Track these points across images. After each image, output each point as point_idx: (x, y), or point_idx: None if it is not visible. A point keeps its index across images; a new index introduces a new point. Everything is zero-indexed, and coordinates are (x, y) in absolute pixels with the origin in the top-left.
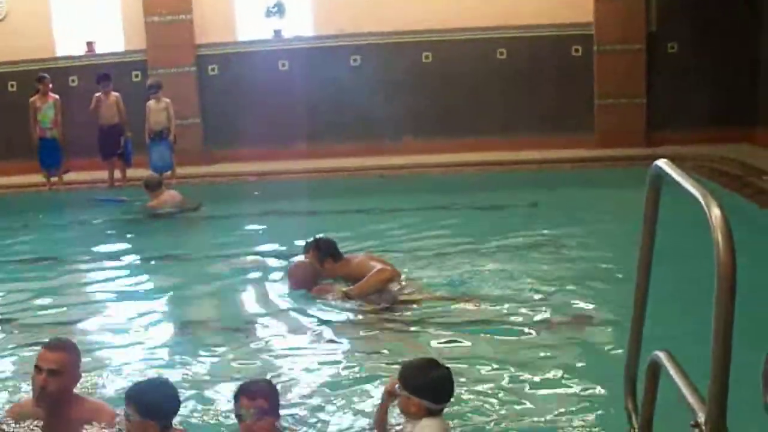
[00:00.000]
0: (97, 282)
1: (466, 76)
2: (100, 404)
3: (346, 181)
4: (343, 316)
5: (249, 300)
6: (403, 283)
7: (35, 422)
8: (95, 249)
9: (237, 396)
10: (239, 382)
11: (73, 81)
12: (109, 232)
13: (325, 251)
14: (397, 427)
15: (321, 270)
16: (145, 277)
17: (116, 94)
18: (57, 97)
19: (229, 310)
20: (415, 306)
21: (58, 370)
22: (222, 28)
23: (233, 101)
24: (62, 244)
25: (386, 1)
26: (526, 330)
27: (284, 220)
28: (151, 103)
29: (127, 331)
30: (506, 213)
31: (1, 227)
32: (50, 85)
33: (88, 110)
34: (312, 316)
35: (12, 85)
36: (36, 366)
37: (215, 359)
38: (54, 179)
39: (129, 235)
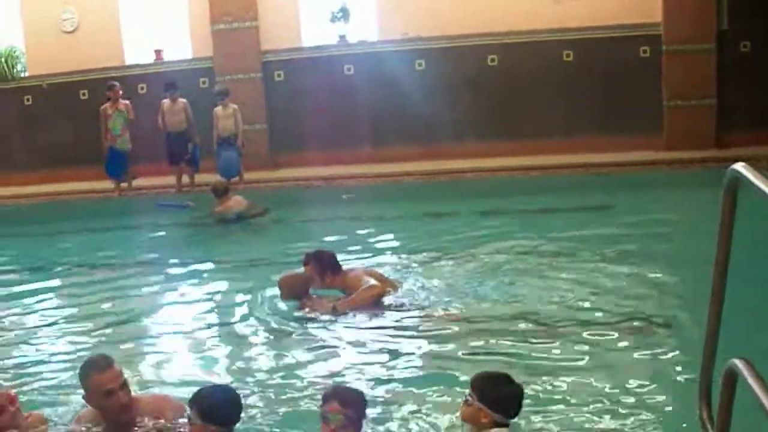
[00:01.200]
0: (160, 285)
1: (532, 79)
2: (158, 397)
3: (410, 185)
4: (329, 328)
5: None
6: (399, 295)
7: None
8: (160, 254)
9: (328, 398)
10: (331, 383)
11: (142, 88)
12: (174, 237)
13: (324, 264)
14: None
15: (319, 281)
16: (207, 281)
17: (183, 100)
18: (127, 102)
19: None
20: (407, 321)
21: (124, 381)
22: (287, 34)
23: (299, 106)
24: (129, 249)
25: (451, 4)
26: (592, 337)
27: (348, 224)
28: (219, 109)
29: (185, 335)
30: (573, 217)
31: (70, 232)
32: (120, 93)
33: (156, 121)
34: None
35: (83, 94)
36: (107, 391)
37: (278, 362)
38: (123, 185)
39: (194, 240)
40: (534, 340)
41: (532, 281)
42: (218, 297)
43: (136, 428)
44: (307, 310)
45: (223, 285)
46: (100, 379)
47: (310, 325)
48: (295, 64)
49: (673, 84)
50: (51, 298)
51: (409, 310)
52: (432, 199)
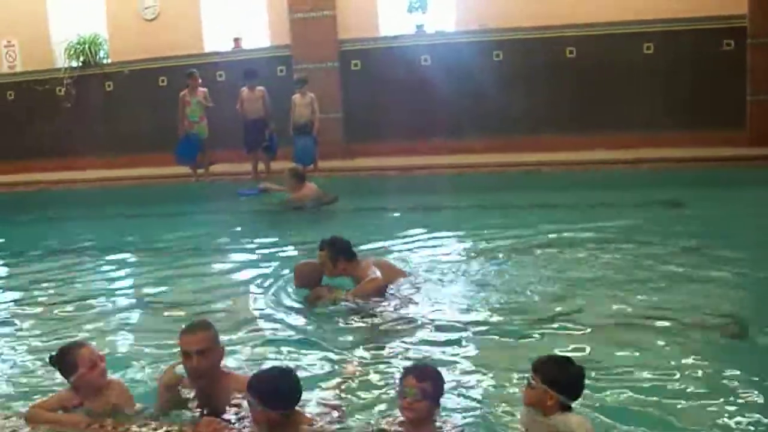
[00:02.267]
0: (231, 270)
1: (611, 72)
2: (244, 377)
3: (485, 177)
4: (334, 317)
5: None
6: (407, 286)
7: (189, 395)
8: (228, 238)
9: (406, 374)
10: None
11: (220, 76)
12: (244, 222)
13: (338, 250)
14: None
15: (332, 267)
16: (273, 266)
17: (261, 88)
18: (205, 90)
19: None
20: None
21: (204, 349)
22: (365, 23)
23: (375, 96)
24: (203, 234)
25: None
26: (668, 336)
27: (420, 215)
28: (296, 97)
29: (251, 320)
30: (648, 212)
31: (147, 215)
32: (199, 80)
33: (234, 108)
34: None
35: (163, 80)
36: (184, 352)
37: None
38: (200, 171)
39: (263, 227)
40: (596, 337)
41: (594, 276)
42: (267, 282)
43: (224, 397)
44: (314, 298)
45: (272, 270)
46: (182, 340)
47: (316, 313)
48: (372, 53)
49: (758, 78)
50: (123, 278)
51: (411, 302)
52: (504, 192)
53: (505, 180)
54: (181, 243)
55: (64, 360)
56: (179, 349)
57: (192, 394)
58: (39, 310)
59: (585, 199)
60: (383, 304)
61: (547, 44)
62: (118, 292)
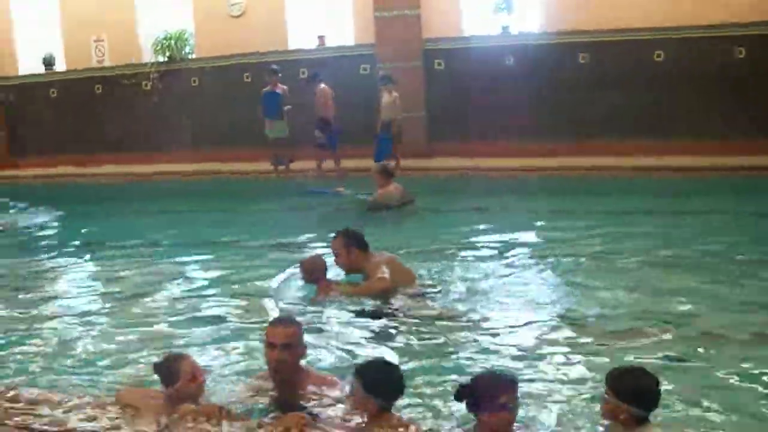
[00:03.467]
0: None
1: (700, 77)
2: (325, 375)
3: (567, 180)
4: (332, 313)
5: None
6: (415, 290)
7: (269, 393)
8: (299, 235)
9: (505, 387)
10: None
11: (303, 73)
12: (318, 219)
13: (352, 239)
14: None
15: (345, 256)
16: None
17: (322, 86)
18: (285, 88)
19: None
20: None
21: (290, 344)
22: (449, 23)
23: (458, 96)
24: (272, 229)
25: None
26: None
27: (497, 217)
28: (384, 95)
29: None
30: (718, 220)
31: (230, 210)
32: (279, 75)
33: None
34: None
35: (247, 77)
36: (269, 343)
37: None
38: (281, 167)
39: (338, 224)
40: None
41: (656, 285)
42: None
43: (302, 395)
44: (321, 296)
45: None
46: (269, 332)
47: (318, 310)
48: (456, 53)
49: None
50: (190, 271)
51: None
52: (586, 196)
53: (586, 184)
54: (259, 239)
55: (165, 368)
56: (264, 339)
57: (271, 390)
58: (124, 302)
59: (652, 205)
60: (387, 304)
61: (635, 47)
62: (193, 286)
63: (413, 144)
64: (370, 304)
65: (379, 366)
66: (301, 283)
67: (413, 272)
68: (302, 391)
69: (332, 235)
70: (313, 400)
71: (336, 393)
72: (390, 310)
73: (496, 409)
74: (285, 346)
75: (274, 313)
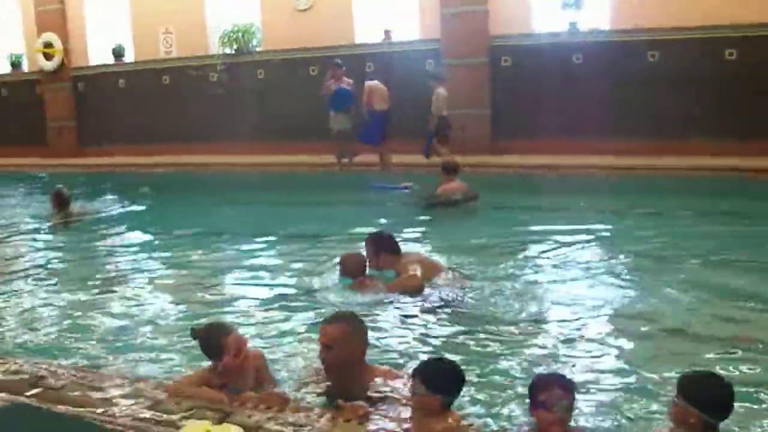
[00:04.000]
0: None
1: None
2: (388, 370)
3: (634, 180)
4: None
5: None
6: (446, 287)
7: (325, 385)
8: (370, 229)
9: (547, 385)
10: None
11: (369, 67)
12: (380, 214)
13: (379, 245)
14: None
15: (375, 260)
16: None
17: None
18: (351, 81)
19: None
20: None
21: (332, 345)
22: (517, 19)
23: (524, 93)
24: (337, 222)
25: None
26: None
27: (561, 215)
28: (441, 90)
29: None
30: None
31: (290, 202)
32: (343, 70)
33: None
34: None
35: (313, 70)
36: (318, 340)
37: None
38: (344, 161)
39: (399, 220)
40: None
41: (729, 289)
42: None
43: (360, 388)
44: (358, 288)
45: None
46: (320, 329)
47: (356, 302)
48: (523, 50)
49: None
50: (252, 260)
51: (448, 304)
52: (652, 196)
53: (652, 184)
54: (322, 231)
55: (210, 342)
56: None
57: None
58: (189, 289)
59: (714, 207)
60: (419, 299)
61: (706, 45)
62: (254, 277)
63: (477, 141)
64: (405, 300)
65: (439, 364)
66: (337, 276)
67: (442, 266)
68: (361, 385)
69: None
70: (374, 393)
71: (398, 386)
72: (428, 306)
73: (537, 405)
74: (326, 347)
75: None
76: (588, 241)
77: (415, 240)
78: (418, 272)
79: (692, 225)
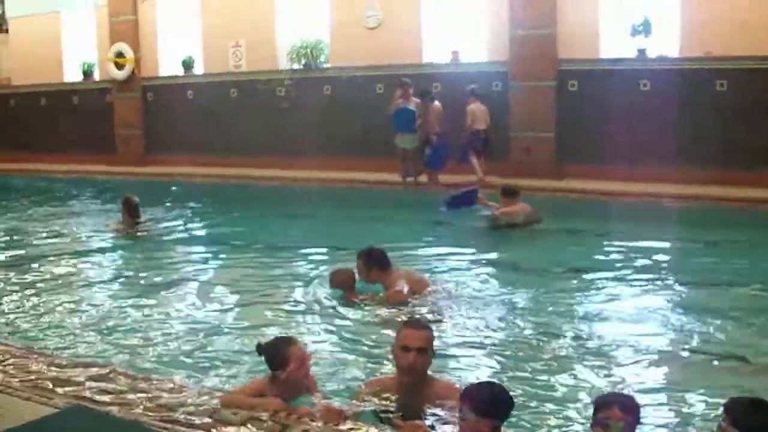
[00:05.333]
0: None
1: None
2: (448, 383)
3: (697, 209)
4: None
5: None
6: (431, 301)
7: (392, 397)
8: (425, 249)
9: (608, 404)
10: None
11: (436, 87)
12: (441, 234)
13: (371, 260)
14: None
15: (366, 274)
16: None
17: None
18: (418, 101)
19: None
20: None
21: (426, 348)
22: (585, 43)
23: (590, 118)
24: (406, 239)
25: (762, 23)
26: None
27: (620, 241)
28: (473, 106)
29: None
30: None
31: (352, 218)
32: (411, 90)
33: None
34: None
35: (380, 88)
36: (403, 346)
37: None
38: (409, 179)
39: (465, 240)
40: None
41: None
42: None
43: (424, 400)
44: (347, 300)
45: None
46: (405, 334)
47: (347, 312)
48: (590, 74)
49: None
50: (309, 273)
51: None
52: (711, 226)
53: (717, 214)
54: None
55: (276, 354)
56: (397, 343)
57: (392, 394)
58: (245, 301)
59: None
60: (404, 311)
61: None
62: (310, 289)
63: (541, 164)
64: (389, 311)
65: (489, 389)
66: (328, 289)
67: (428, 281)
68: (425, 397)
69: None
70: (435, 407)
71: (455, 404)
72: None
73: (597, 422)
74: (420, 349)
75: None
76: (648, 269)
77: (473, 260)
78: (405, 288)
79: (754, 257)
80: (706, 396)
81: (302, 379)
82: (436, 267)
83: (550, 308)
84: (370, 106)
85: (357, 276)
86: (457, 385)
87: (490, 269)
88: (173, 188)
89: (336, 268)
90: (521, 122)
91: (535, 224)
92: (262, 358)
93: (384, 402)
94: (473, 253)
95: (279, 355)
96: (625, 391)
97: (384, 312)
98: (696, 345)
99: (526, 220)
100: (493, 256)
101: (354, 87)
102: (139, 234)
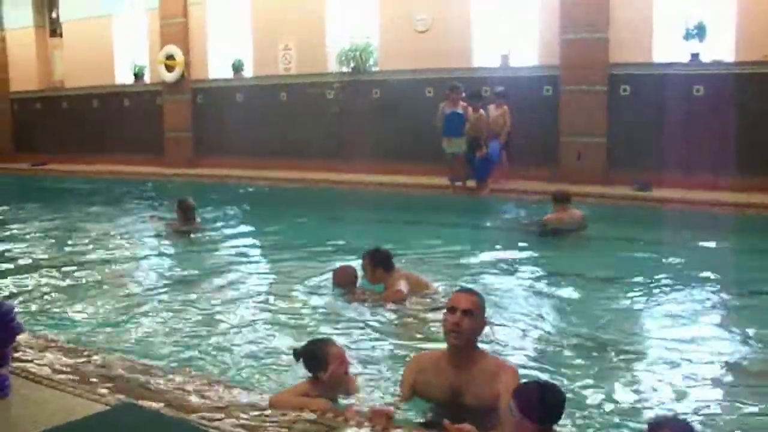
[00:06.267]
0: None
1: None
2: (502, 362)
3: (750, 218)
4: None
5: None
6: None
7: (441, 371)
8: (473, 254)
9: (659, 425)
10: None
11: (485, 91)
12: (493, 239)
13: (376, 261)
14: None
15: (370, 274)
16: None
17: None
18: (465, 105)
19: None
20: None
21: (471, 311)
22: (637, 47)
23: (641, 123)
24: (454, 244)
25: None
26: None
27: (671, 250)
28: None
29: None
30: None
31: (398, 221)
32: (462, 94)
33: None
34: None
35: (429, 91)
36: (449, 308)
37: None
38: (457, 183)
39: (515, 246)
40: None
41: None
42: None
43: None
44: (349, 299)
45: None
46: (452, 297)
47: (348, 310)
48: (642, 79)
49: None
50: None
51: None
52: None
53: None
54: (426, 251)
55: (315, 356)
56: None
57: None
58: (296, 305)
59: None
60: (402, 310)
61: None
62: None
63: (592, 169)
64: (386, 309)
65: (540, 390)
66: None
67: (428, 283)
68: (475, 373)
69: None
70: (484, 388)
71: (510, 381)
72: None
73: None
74: (466, 312)
75: None
76: (703, 279)
77: (522, 266)
78: (405, 288)
79: None
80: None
81: (343, 377)
82: (480, 272)
83: (599, 318)
84: (419, 109)
85: (361, 274)
86: (511, 364)
87: (533, 275)
88: (222, 191)
89: (339, 267)
90: (572, 127)
91: (582, 231)
92: (301, 362)
93: (435, 375)
94: (518, 259)
95: (318, 356)
96: (679, 413)
97: (385, 308)
98: (758, 361)
99: (578, 226)
100: (538, 262)
101: (403, 90)
102: (192, 236)
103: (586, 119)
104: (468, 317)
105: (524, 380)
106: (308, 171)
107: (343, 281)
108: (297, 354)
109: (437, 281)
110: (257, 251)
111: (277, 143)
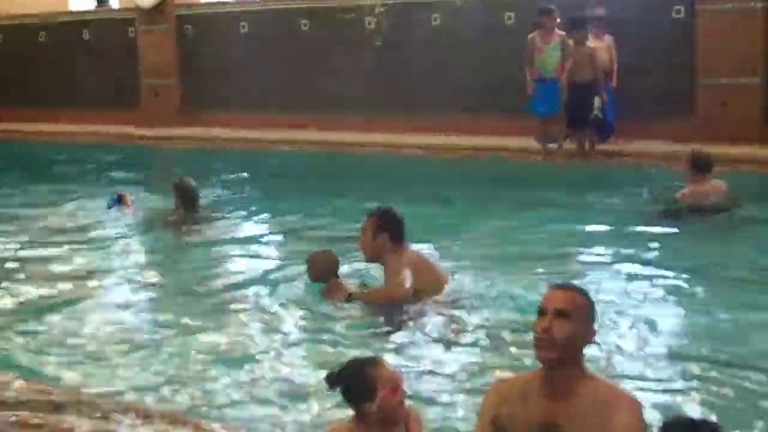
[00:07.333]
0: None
1: None
2: (618, 390)
3: None
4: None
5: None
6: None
7: (530, 401)
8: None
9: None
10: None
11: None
12: (605, 222)
13: (386, 224)
14: None
15: (371, 239)
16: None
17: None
18: (563, 34)
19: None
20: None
21: (569, 312)
22: None
23: None
24: (546, 228)
25: None
26: None
27: None
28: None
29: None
30: None
31: (475, 198)
32: (557, 21)
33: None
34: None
35: (509, 17)
36: (539, 310)
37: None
38: (551, 145)
39: (632, 231)
40: None
41: None
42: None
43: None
44: (327, 293)
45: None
46: (546, 296)
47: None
48: None
49: None
50: None
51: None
52: None
53: None
54: (500, 241)
55: (361, 379)
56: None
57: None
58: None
59: None
60: (404, 315)
61: None
62: None
63: (742, 124)
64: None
65: (685, 424)
66: (304, 283)
67: (446, 278)
68: (576, 398)
69: None
70: (593, 422)
71: (628, 418)
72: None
73: None
74: (560, 313)
75: None
76: None
77: (644, 262)
78: (407, 281)
79: None
80: None
81: (397, 408)
82: (582, 271)
83: (753, 332)
84: (497, 41)
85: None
86: (631, 394)
87: (661, 274)
88: (223, 159)
89: (313, 252)
90: (713, 64)
91: (728, 210)
92: (338, 391)
93: (516, 428)
94: (638, 253)
95: (363, 382)
96: None
97: (377, 312)
98: None
99: (718, 203)
100: (668, 255)
101: (475, 15)
102: (199, 228)
103: (734, 52)
104: (562, 321)
105: (672, 415)
106: (344, 131)
107: (319, 272)
108: (332, 380)
109: (519, 285)
110: (289, 248)
111: (299, 91)
